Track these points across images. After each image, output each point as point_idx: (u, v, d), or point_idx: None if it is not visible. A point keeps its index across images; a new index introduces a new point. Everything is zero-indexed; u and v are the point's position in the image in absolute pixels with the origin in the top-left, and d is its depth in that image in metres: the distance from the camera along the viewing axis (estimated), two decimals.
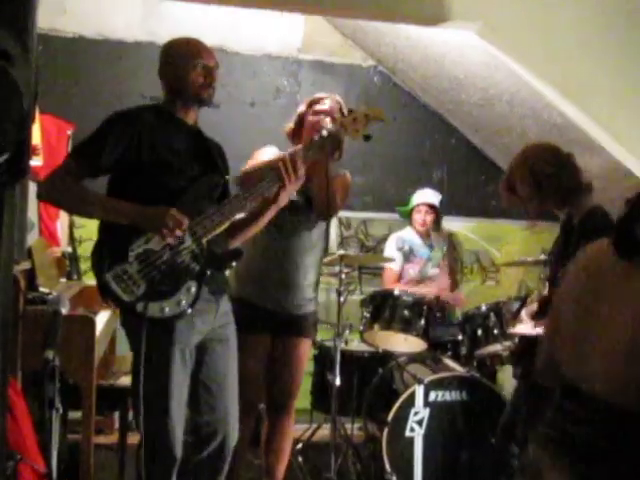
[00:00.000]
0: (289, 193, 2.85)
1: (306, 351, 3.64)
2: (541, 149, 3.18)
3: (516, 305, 3.20)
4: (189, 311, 2.61)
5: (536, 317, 3.19)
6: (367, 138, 2.92)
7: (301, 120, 3.44)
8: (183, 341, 2.65)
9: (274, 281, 3.42)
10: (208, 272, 2.65)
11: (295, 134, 3.45)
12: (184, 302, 2.60)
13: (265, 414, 3.65)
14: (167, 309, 2.59)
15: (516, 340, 3.85)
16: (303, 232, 3.45)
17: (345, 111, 3.34)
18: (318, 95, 3.47)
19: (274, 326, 3.44)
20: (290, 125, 3.51)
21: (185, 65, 2.74)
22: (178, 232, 2.58)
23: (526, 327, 3.14)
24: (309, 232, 3.47)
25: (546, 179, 3.08)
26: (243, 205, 2.71)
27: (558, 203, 3.17)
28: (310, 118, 3.37)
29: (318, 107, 3.38)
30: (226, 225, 2.71)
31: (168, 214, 2.57)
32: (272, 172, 2.80)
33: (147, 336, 2.56)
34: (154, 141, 2.67)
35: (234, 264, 2.76)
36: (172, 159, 2.69)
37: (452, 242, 5.58)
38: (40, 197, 2.78)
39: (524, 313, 3.18)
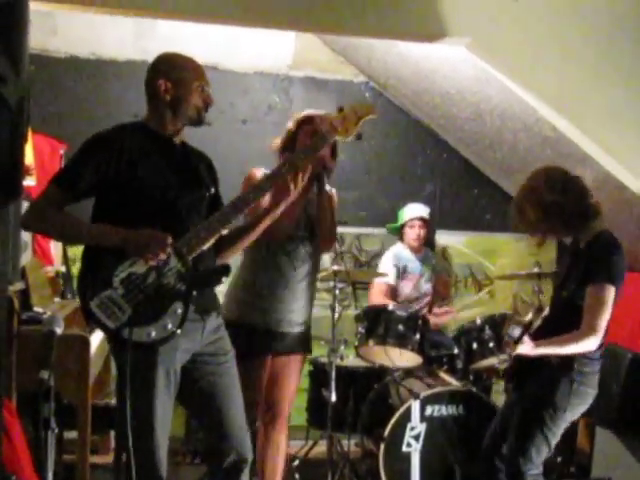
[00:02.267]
0: (285, 202, 2.84)
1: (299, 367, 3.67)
2: (546, 174, 3.19)
3: (516, 329, 3.19)
4: (178, 332, 2.58)
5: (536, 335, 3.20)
6: (358, 137, 2.87)
7: (292, 139, 3.44)
8: (167, 362, 2.63)
9: (281, 305, 3.48)
10: (194, 292, 2.61)
11: (286, 151, 3.44)
12: (170, 325, 2.56)
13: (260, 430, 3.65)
14: (153, 333, 2.55)
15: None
16: (310, 260, 3.53)
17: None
18: (307, 113, 3.48)
19: (273, 345, 3.49)
20: (278, 142, 3.51)
21: (188, 86, 2.71)
22: (161, 255, 2.54)
23: (526, 348, 3.14)
24: (315, 259, 3.58)
25: (551, 206, 3.09)
26: (229, 218, 2.67)
27: (565, 228, 3.18)
28: (303, 139, 3.38)
29: (309, 128, 3.39)
30: (212, 240, 2.67)
31: (150, 237, 2.53)
32: (260, 180, 2.79)
33: (131, 358, 2.53)
34: (135, 160, 2.63)
35: (223, 280, 2.68)
36: (154, 177, 2.65)
37: (446, 256, 5.60)
38: (24, 227, 2.76)
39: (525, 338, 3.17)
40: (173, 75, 2.72)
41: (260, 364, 3.48)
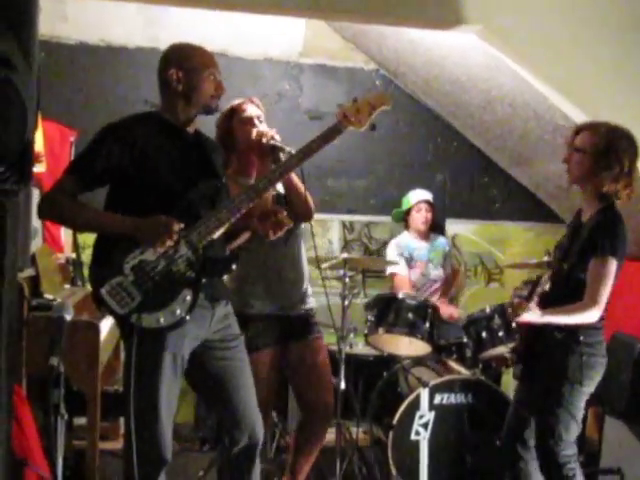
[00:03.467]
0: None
1: (322, 347, 3.64)
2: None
3: (525, 290, 3.19)
4: (187, 318, 2.61)
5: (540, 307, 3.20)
6: (372, 127, 2.87)
7: (228, 134, 3.39)
8: (174, 347, 2.65)
9: (275, 287, 3.46)
10: (203, 280, 2.63)
11: (225, 146, 3.31)
12: (179, 311, 2.59)
13: (303, 423, 3.68)
14: (162, 319, 2.58)
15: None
16: (293, 240, 3.48)
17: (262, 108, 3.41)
18: (235, 103, 3.43)
19: (282, 334, 3.47)
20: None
21: (200, 74, 2.73)
22: (168, 242, 2.56)
23: (533, 316, 3.12)
24: (297, 238, 3.53)
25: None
26: (239, 208, 2.67)
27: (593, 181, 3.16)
28: (239, 128, 3.35)
29: (243, 116, 3.37)
30: (222, 230, 2.69)
31: (156, 223, 2.56)
32: (271, 170, 2.79)
33: (138, 342, 2.58)
34: (147, 150, 2.66)
35: (234, 268, 2.70)
36: (167, 167, 2.67)
37: (454, 244, 5.58)
38: (40, 215, 2.80)
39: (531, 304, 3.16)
40: (184, 64, 2.74)
41: (266, 356, 3.45)
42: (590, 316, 3.06)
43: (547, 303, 3.20)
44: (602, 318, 3.12)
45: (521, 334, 3.40)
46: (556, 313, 3.13)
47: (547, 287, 3.15)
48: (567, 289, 3.17)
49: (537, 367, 3.26)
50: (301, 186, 3.26)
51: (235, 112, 3.39)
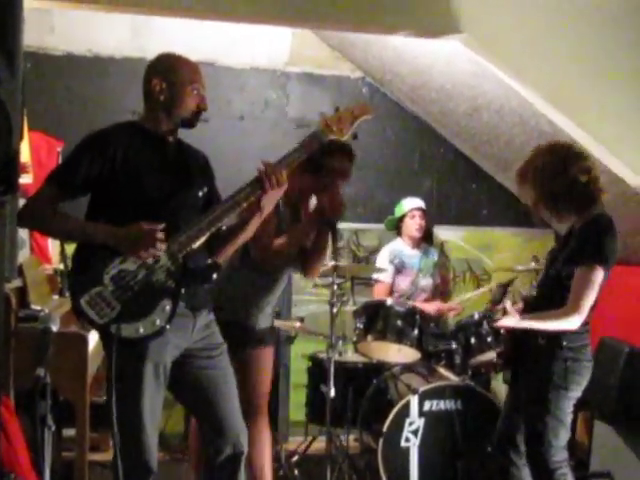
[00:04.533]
0: (273, 200, 2.79)
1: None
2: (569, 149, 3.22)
3: (498, 294, 3.23)
4: (167, 327, 2.59)
5: (522, 312, 3.22)
6: (354, 137, 2.86)
7: (321, 164, 3.40)
8: (156, 356, 2.64)
9: (257, 307, 3.45)
10: (183, 290, 2.62)
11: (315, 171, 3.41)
12: (158, 321, 2.58)
13: None
14: (142, 329, 2.57)
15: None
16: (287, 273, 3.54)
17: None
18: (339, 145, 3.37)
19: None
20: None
21: (183, 89, 2.72)
22: (152, 251, 2.55)
23: (512, 320, 3.15)
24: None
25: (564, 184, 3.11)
26: (220, 217, 2.66)
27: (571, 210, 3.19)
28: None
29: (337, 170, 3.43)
30: (203, 238, 2.66)
31: (138, 232, 2.54)
32: (252, 179, 2.75)
33: (120, 352, 2.56)
34: (128, 159, 2.65)
35: (214, 277, 2.67)
36: (147, 176, 2.67)
37: (444, 251, 5.59)
38: (20, 224, 2.80)
39: (509, 306, 3.19)
40: (168, 76, 2.73)
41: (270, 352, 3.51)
42: (570, 323, 3.05)
43: (533, 309, 3.22)
44: (586, 323, 3.12)
45: (505, 339, 3.42)
46: (536, 318, 3.15)
47: (534, 292, 3.18)
48: (553, 296, 3.17)
49: (523, 373, 3.28)
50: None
51: (332, 155, 3.38)
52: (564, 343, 3.11)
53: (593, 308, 3.10)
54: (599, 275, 3.04)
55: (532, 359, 3.22)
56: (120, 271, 2.57)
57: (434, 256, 5.20)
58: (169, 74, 2.74)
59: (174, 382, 2.78)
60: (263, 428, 3.50)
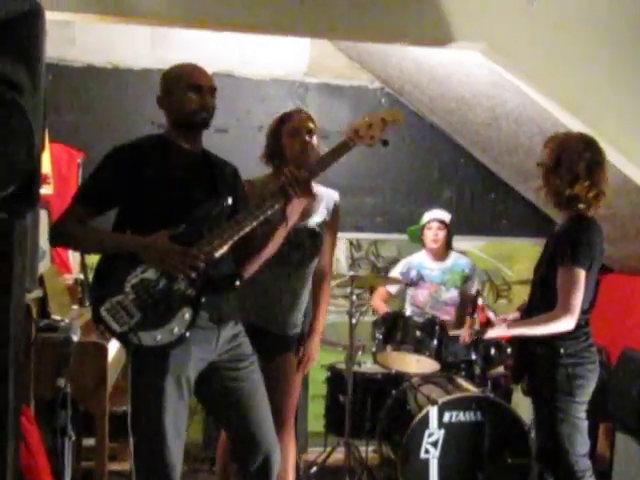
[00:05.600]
0: (298, 209, 2.75)
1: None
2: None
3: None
4: (187, 335, 2.58)
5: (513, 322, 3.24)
6: (385, 143, 2.79)
7: (276, 143, 3.36)
8: (178, 369, 2.62)
9: (277, 309, 3.36)
10: (203, 298, 2.61)
11: (273, 158, 3.38)
12: (177, 329, 2.57)
13: None
14: (159, 337, 2.56)
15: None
16: (305, 268, 3.41)
17: (314, 122, 3.36)
18: (283, 112, 3.41)
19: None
20: (264, 149, 3.43)
21: (176, 92, 2.73)
22: (189, 272, 2.56)
23: (500, 330, 3.17)
24: (309, 267, 3.43)
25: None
26: (242, 226, 2.64)
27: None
28: (286, 140, 3.32)
29: (290, 126, 3.32)
30: (226, 247, 2.65)
31: (174, 253, 2.55)
32: (275, 187, 2.71)
33: (142, 364, 2.58)
34: (152, 171, 2.66)
35: (237, 286, 2.66)
36: (172, 188, 2.67)
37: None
38: (52, 243, 2.84)
39: (492, 316, 3.19)
40: (165, 86, 2.79)
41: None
42: (563, 325, 3.04)
43: (526, 312, 3.23)
44: (581, 326, 3.10)
45: (513, 350, 3.42)
46: (527, 324, 3.16)
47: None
48: (540, 299, 3.19)
49: (529, 383, 3.26)
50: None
51: (283, 121, 3.36)
52: (562, 350, 3.09)
53: (590, 311, 3.12)
54: (579, 274, 3.03)
55: (534, 370, 3.20)
56: (142, 280, 2.58)
57: (465, 268, 5.10)
58: (166, 84, 2.79)
59: (203, 396, 2.78)
60: (289, 443, 3.43)
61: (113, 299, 2.57)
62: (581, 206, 3.12)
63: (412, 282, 5.02)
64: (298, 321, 3.43)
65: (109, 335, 2.68)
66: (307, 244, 3.36)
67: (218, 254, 2.64)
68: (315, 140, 3.33)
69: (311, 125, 3.35)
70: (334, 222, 3.50)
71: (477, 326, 3.17)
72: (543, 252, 3.30)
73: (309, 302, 3.50)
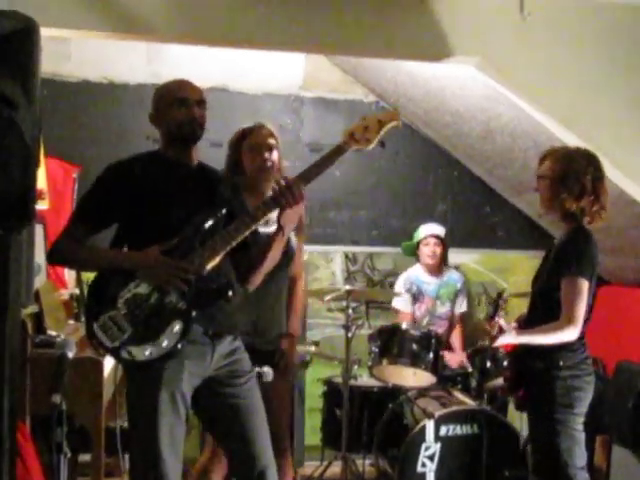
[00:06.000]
0: (293, 218, 2.73)
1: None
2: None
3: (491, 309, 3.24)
4: (178, 347, 2.56)
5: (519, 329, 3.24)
6: (382, 145, 2.77)
7: (235, 160, 3.37)
8: (171, 384, 2.60)
9: (263, 322, 3.35)
10: (194, 311, 2.59)
11: (235, 168, 3.36)
12: (166, 342, 2.56)
13: None
14: (150, 351, 2.56)
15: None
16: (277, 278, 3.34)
17: (276, 139, 3.36)
18: (247, 127, 3.39)
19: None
20: (225, 160, 3.42)
21: (166, 105, 2.75)
22: (180, 285, 2.57)
23: (509, 337, 3.16)
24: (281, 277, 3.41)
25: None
26: (234, 236, 2.63)
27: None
28: (246, 155, 3.32)
29: (252, 142, 3.33)
30: (217, 259, 2.63)
31: (168, 267, 2.56)
32: (267, 198, 2.71)
33: (135, 379, 2.59)
34: (147, 187, 2.68)
35: (229, 297, 2.62)
36: (167, 202, 2.68)
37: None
38: (50, 262, 2.88)
39: (503, 322, 3.19)
40: (155, 103, 2.81)
41: None
42: (567, 335, 3.06)
43: (526, 323, 3.24)
44: (579, 338, 3.12)
45: (509, 363, 3.42)
46: (534, 333, 3.17)
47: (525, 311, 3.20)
48: (540, 310, 3.21)
49: (526, 397, 3.27)
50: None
51: (244, 136, 3.36)
52: (561, 363, 3.10)
53: (586, 323, 3.13)
54: (582, 285, 3.07)
55: (533, 384, 3.21)
56: (134, 295, 2.58)
57: (457, 282, 5.15)
58: (156, 100, 2.81)
59: (200, 411, 2.78)
60: (288, 470, 3.40)
61: (106, 315, 2.58)
62: (586, 219, 3.16)
63: (414, 297, 5.02)
64: (274, 333, 3.40)
65: (102, 351, 2.69)
66: None
67: (209, 265, 2.63)
68: (275, 156, 3.34)
69: (272, 141, 3.35)
70: (300, 225, 3.42)
71: (495, 331, 3.17)
72: (542, 263, 3.32)
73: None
